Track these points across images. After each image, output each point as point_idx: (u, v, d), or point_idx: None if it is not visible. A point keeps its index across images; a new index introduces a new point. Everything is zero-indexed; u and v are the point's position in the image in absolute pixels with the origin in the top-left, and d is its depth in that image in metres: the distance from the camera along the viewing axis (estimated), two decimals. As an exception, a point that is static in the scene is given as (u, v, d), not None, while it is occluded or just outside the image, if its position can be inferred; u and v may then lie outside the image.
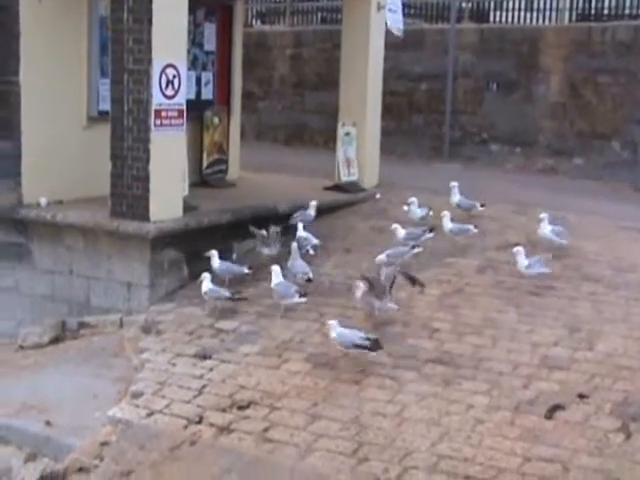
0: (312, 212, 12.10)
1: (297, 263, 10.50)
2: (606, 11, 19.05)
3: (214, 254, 10.47)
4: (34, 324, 10.78)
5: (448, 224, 11.35)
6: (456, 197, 12.52)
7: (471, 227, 11.51)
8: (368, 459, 7.22)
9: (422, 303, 10.04)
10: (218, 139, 14.26)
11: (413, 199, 12.20)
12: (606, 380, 8.14)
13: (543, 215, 11.23)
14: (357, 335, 8.58)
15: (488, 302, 9.75)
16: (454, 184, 12.60)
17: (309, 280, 10.35)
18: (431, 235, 11.17)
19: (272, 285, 9.87)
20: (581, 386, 8.05)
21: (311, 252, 11.38)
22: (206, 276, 9.98)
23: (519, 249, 10.21)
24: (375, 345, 8.49)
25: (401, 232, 11.02)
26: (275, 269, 9.91)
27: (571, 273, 10.66)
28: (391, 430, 7.55)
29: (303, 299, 9.79)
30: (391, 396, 8.10)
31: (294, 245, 10.77)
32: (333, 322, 8.69)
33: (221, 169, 14.38)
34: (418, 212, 12.11)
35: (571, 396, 7.88)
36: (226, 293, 10.01)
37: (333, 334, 8.60)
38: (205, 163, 14.06)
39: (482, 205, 12.54)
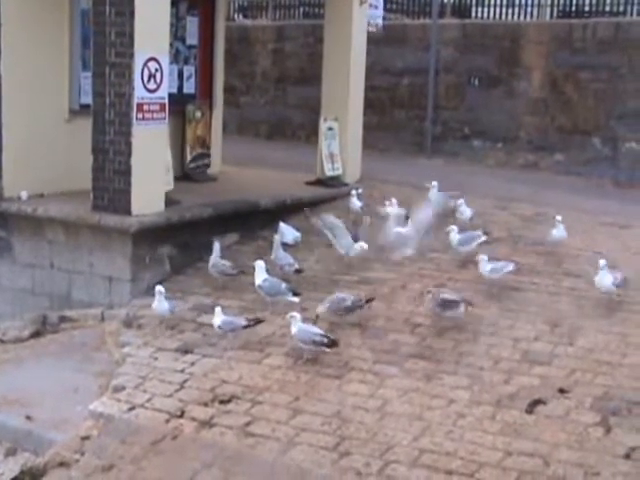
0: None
1: (280, 254, 10.47)
2: (587, 8, 19.17)
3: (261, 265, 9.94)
4: (14, 318, 10.77)
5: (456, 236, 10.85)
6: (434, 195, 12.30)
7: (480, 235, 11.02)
8: (350, 453, 7.23)
9: (404, 298, 10.07)
10: (200, 133, 14.23)
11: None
12: (586, 375, 8.20)
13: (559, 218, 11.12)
14: (316, 332, 8.66)
15: (469, 297, 9.67)
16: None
17: (298, 271, 10.35)
18: (485, 239, 10.86)
19: (257, 282, 9.73)
20: (562, 381, 8.09)
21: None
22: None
23: (482, 257, 9.99)
24: (332, 343, 8.58)
25: (455, 236, 10.74)
26: (259, 264, 9.81)
27: (552, 268, 10.71)
28: (373, 424, 7.56)
29: (296, 299, 9.62)
30: (373, 391, 8.12)
31: (276, 237, 10.74)
32: (296, 315, 8.68)
33: (204, 163, 14.35)
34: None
35: (552, 391, 7.92)
36: (241, 322, 9.32)
37: (294, 329, 8.62)
38: (188, 157, 14.03)
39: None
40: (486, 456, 7.06)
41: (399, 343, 8.78)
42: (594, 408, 7.64)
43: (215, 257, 10.52)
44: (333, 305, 9.23)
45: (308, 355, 8.61)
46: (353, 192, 12.59)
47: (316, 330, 8.73)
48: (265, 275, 9.76)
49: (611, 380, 8.09)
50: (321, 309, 9.21)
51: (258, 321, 9.29)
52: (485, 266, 9.89)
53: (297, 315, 8.81)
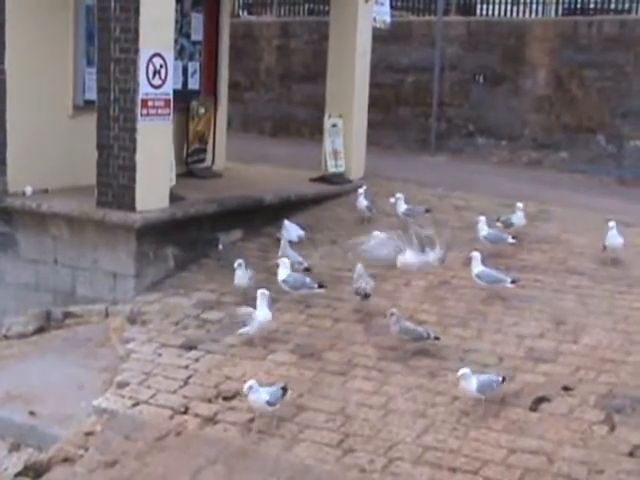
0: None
1: (290, 253, 10.48)
2: (592, 5, 19.14)
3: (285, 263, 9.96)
4: (18, 314, 10.73)
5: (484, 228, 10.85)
6: (402, 206, 12.10)
7: (508, 236, 11.01)
8: (353, 450, 7.24)
9: (408, 295, 10.08)
10: (200, 128, 14.21)
11: (519, 205, 11.62)
12: (591, 373, 8.21)
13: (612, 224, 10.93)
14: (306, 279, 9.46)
15: (474, 294, 9.77)
16: (399, 195, 12.14)
17: (306, 270, 10.36)
18: (513, 241, 10.82)
19: (282, 277, 9.73)
20: (566, 378, 8.10)
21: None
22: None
23: (476, 254, 9.86)
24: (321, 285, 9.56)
25: (484, 227, 10.79)
26: (283, 260, 9.85)
27: (556, 266, 10.72)
28: (377, 421, 7.57)
29: (322, 290, 9.77)
30: (377, 388, 8.14)
31: (284, 235, 10.73)
32: (286, 261, 9.39)
33: (200, 158, 14.31)
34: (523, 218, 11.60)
35: (556, 388, 7.93)
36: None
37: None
38: (185, 152, 13.99)
39: (427, 210, 12.19)
40: (490, 453, 7.07)
41: (403, 340, 8.73)
42: (598, 406, 7.65)
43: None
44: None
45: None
46: (360, 191, 12.53)
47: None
48: (289, 270, 9.78)
49: (615, 378, 8.10)
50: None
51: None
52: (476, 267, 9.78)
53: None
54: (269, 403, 7.52)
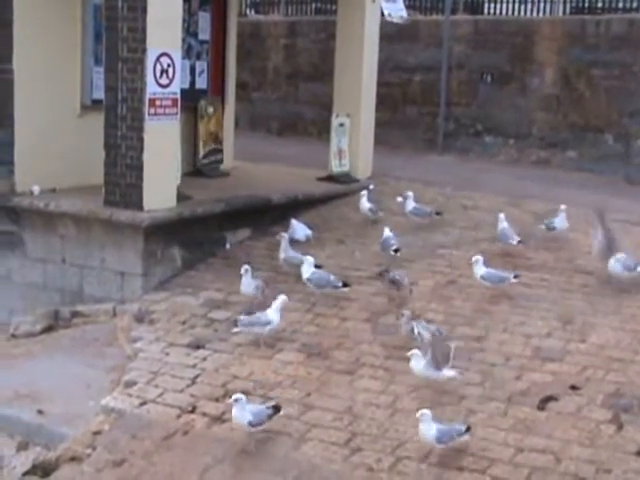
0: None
1: (291, 254, 10.49)
2: (600, 4, 19.11)
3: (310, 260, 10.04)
4: (26, 313, 10.76)
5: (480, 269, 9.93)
6: (410, 205, 12.14)
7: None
8: (361, 449, 7.27)
9: (415, 294, 10.05)
10: (213, 129, 14.24)
11: (562, 207, 11.43)
12: (598, 372, 8.22)
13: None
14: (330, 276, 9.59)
15: (481, 293, 9.78)
16: (409, 194, 12.19)
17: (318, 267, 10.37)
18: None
19: (306, 275, 9.75)
20: (573, 378, 8.12)
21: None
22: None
23: (478, 258, 9.81)
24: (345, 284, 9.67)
25: (480, 269, 9.86)
26: (308, 259, 9.88)
27: (564, 265, 10.71)
28: (384, 420, 7.60)
29: (346, 289, 9.79)
30: (384, 387, 8.16)
31: (285, 236, 10.72)
32: (310, 259, 9.39)
33: (217, 159, 14.37)
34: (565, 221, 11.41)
35: (563, 387, 7.95)
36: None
37: (306, 275, 8.97)
38: (201, 153, 14.03)
39: (437, 213, 12.24)
40: (498, 452, 7.10)
41: (410, 339, 8.69)
42: (606, 405, 7.67)
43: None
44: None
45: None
46: (363, 192, 12.49)
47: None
48: (313, 269, 9.80)
49: (623, 377, 8.11)
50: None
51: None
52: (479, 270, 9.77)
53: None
54: (251, 424, 7.33)
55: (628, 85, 16.46)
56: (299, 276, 9.98)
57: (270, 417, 7.40)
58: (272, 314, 8.89)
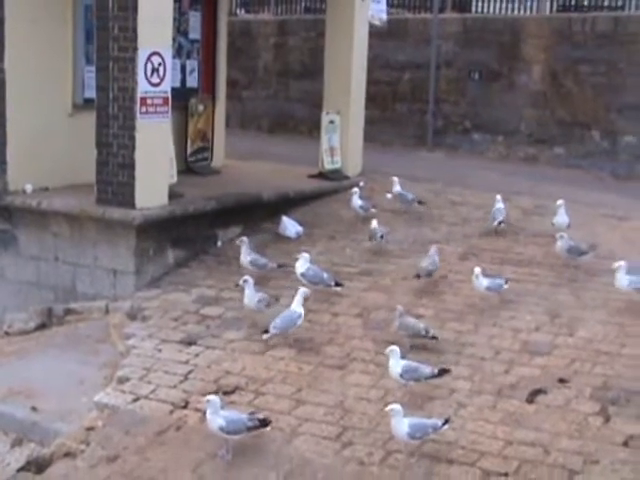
0: None
1: (256, 257, 10.49)
2: (586, 2, 19.23)
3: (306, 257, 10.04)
4: (20, 311, 10.80)
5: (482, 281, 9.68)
6: (396, 188, 12.68)
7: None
8: (352, 443, 7.32)
9: (405, 289, 10.15)
10: (201, 127, 14.29)
11: (561, 201, 11.37)
12: (586, 365, 8.29)
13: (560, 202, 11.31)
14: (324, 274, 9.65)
15: (470, 288, 9.79)
16: (395, 179, 12.72)
17: (280, 266, 10.51)
18: (506, 287, 9.75)
19: (301, 271, 9.81)
20: (561, 371, 8.19)
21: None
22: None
23: (477, 270, 9.69)
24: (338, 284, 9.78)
25: (482, 282, 9.60)
26: (304, 255, 9.94)
27: (552, 260, 10.76)
28: (375, 415, 7.64)
29: (338, 288, 9.88)
30: (375, 381, 8.21)
31: (245, 240, 10.60)
32: (306, 254, 9.34)
33: (204, 156, 14.40)
34: (565, 219, 11.29)
35: (552, 381, 8.02)
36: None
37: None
38: (189, 150, 14.08)
39: (420, 202, 12.66)
40: (487, 445, 7.15)
41: (402, 335, 8.77)
42: (593, 397, 7.74)
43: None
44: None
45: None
46: (354, 190, 12.54)
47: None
48: (308, 264, 9.85)
49: (610, 370, 8.18)
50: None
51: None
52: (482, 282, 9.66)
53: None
54: (222, 430, 7.14)
55: (614, 82, 16.57)
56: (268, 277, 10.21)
57: (250, 429, 7.21)
58: (298, 308, 8.91)
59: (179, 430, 7.73)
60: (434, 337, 8.73)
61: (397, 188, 12.62)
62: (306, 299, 9.08)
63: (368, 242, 11.37)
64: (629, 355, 8.44)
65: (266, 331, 8.84)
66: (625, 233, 11.67)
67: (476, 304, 9.64)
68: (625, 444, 7.09)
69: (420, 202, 12.67)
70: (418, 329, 8.70)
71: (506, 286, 9.64)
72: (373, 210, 12.35)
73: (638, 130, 16.41)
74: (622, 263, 9.42)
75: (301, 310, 8.89)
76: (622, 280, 9.37)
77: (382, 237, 11.15)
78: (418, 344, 8.68)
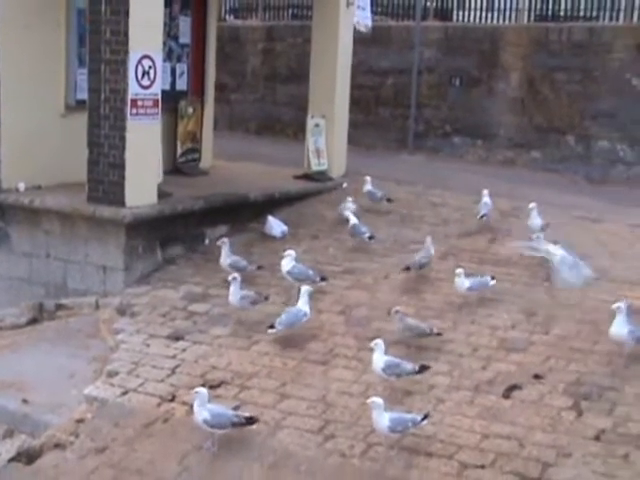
0: None
1: (236, 259, 10.54)
2: (562, 12, 19.37)
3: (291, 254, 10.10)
4: (12, 306, 10.84)
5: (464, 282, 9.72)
6: (367, 188, 13.02)
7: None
8: (334, 436, 7.45)
9: (387, 287, 10.29)
10: (191, 128, 14.38)
11: (533, 204, 11.55)
12: (560, 362, 8.47)
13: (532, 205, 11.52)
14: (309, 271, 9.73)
15: (450, 287, 9.89)
16: (367, 178, 13.09)
17: (260, 268, 10.65)
18: (493, 283, 9.90)
19: (286, 269, 9.89)
20: (536, 367, 8.37)
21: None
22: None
23: (459, 271, 9.74)
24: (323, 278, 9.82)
25: (464, 282, 9.67)
26: (290, 252, 10.00)
27: (528, 260, 10.86)
28: (356, 409, 7.75)
29: (324, 282, 9.99)
30: (357, 376, 8.34)
31: (226, 241, 10.63)
32: (292, 252, 9.55)
33: (193, 157, 14.49)
34: (538, 222, 11.44)
35: (527, 377, 8.20)
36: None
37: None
38: (179, 151, 14.16)
39: (388, 199, 12.99)
40: (465, 439, 7.31)
41: (382, 331, 8.91)
42: (567, 393, 7.92)
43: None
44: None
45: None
46: (349, 199, 12.52)
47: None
48: (293, 262, 9.93)
49: (583, 366, 8.35)
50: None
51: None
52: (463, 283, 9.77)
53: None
54: (206, 423, 7.21)
55: (589, 89, 16.84)
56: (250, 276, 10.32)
57: (236, 425, 7.30)
58: (304, 306, 9.02)
59: (166, 422, 7.80)
60: (439, 334, 8.87)
61: (368, 187, 12.94)
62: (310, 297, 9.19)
63: (350, 240, 11.54)
64: (601, 352, 8.57)
65: (272, 326, 8.95)
66: (598, 235, 11.84)
67: (455, 302, 9.75)
68: (597, 438, 7.25)
69: (389, 200, 12.95)
70: (423, 329, 8.81)
71: (493, 282, 9.80)
72: (386, 202, 12.84)
73: (611, 135, 16.70)
74: (622, 305, 8.49)
75: (307, 309, 8.98)
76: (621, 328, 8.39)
77: (370, 238, 11.36)
78: (399, 340, 8.75)
